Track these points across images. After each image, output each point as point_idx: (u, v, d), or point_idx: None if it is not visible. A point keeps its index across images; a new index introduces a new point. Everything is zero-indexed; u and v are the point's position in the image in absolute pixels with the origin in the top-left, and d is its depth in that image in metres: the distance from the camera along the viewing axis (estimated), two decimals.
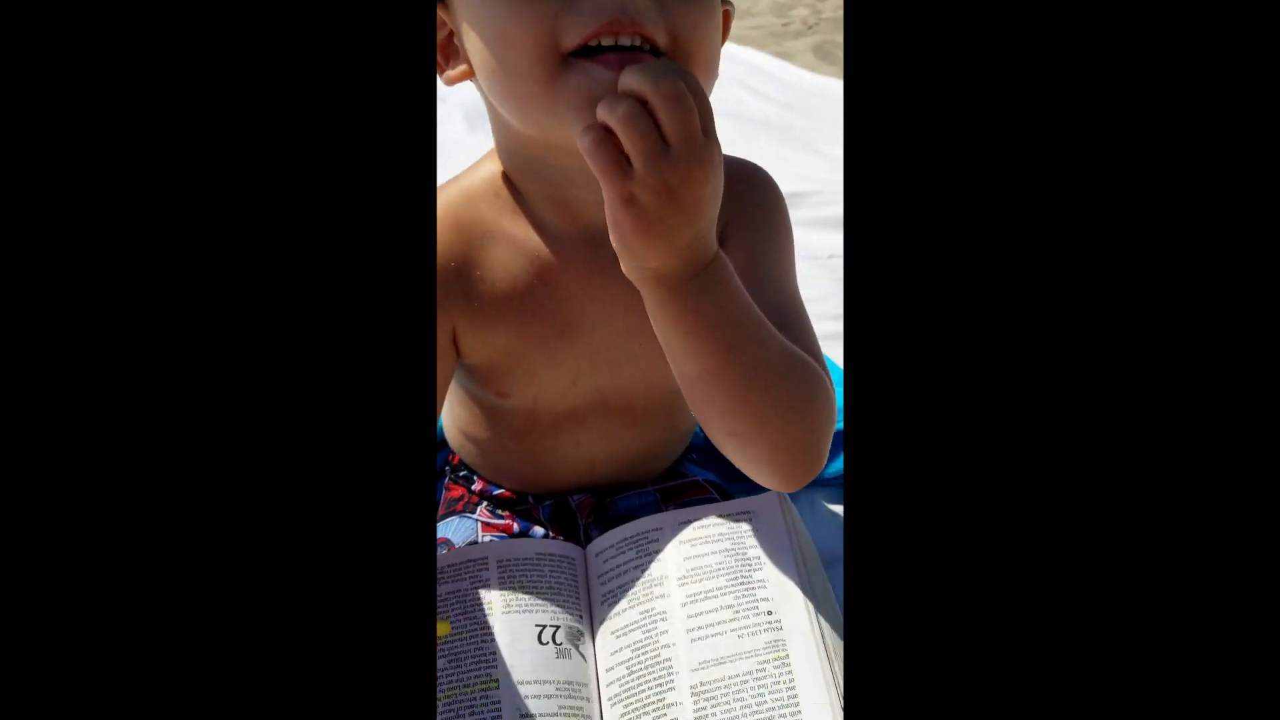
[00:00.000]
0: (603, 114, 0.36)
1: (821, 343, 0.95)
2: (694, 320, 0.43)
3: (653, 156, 0.36)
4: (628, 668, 0.52)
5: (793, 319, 0.51)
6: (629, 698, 0.50)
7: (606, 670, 0.53)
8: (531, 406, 0.59)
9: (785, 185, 1.22)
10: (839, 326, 0.97)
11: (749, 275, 0.47)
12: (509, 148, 0.51)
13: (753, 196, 0.55)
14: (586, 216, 0.51)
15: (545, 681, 0.52)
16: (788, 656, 0.48)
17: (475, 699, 0.50)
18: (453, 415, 0.67)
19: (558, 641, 0.54)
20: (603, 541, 0.58)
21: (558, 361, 0.56)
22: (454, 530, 0.65)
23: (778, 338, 0.46)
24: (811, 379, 0.48)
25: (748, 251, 0.52)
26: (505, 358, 0.55)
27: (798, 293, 0.55)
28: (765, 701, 0.47)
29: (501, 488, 0.67)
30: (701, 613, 0.51)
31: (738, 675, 0.48)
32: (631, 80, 0.36)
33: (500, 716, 0.49)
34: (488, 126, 0.52)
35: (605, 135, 0.37)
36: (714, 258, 0.42)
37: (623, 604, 0.54)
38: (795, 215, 1.16)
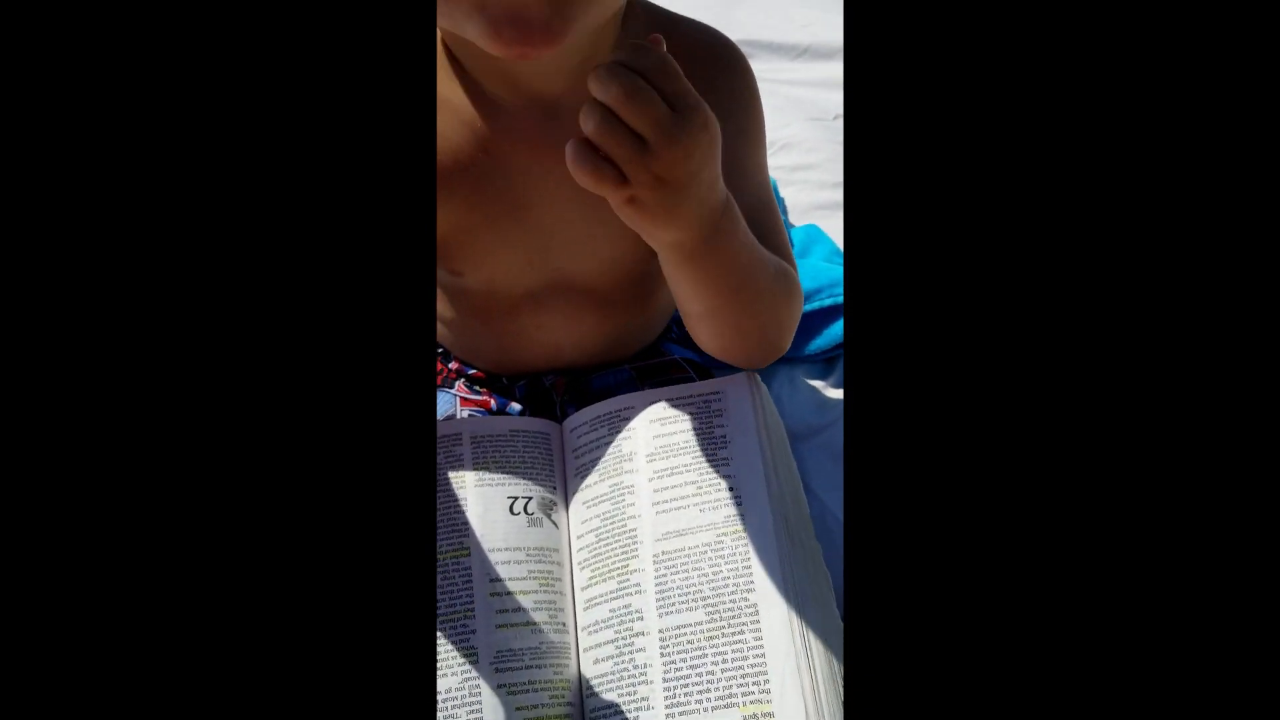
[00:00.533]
0: (585, 126, 0.37)
1: (819, 213, 0.93)
2: (705, 273, 0.46)
3: (633, 160, 0.37)
4: (596, 535, 0.53)
5: (766, 219, 0.53)
6: (596, 563, 0.52)
7: (577, 537, 0.54)
8: (488, 287, 0.58)
9: (791, 36, 1.14)
10: (838, 195, 0.94)
11: (726, 176, 0.47)
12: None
13: (725, 82, 0.52)
14: (530, 86, 0.48)
15: (516, 548, 0.54)
16: (743, 530, 0.49)
17: (447, 565, 0.52)
18: None
19: (529, 511, 0.55)
20: (577, 418, 0.59)
21: (509, 240, 0.54)
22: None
23: (768, 261, 0.49)
24: (790, 287, 0.52)
25: (724, 152, 0.50)
26: (454, 233, 0.53)
27: (769, 184, 0.56)
28: (720, 571, 0.48)
29: (475, 368, 0.67)
30: (667, 487, 0.52)
31: (697, 546, 0.50)
32: (592, 88, 0.36)
33: (471, 580, 0.52)
34: None
35: (587, 149, 0.37)
36: (723, 209, 0.44)
37: (594, 477, 0.56)
38: (801, 72, 1.10)
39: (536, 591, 0.53)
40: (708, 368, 0.67)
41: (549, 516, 0.56)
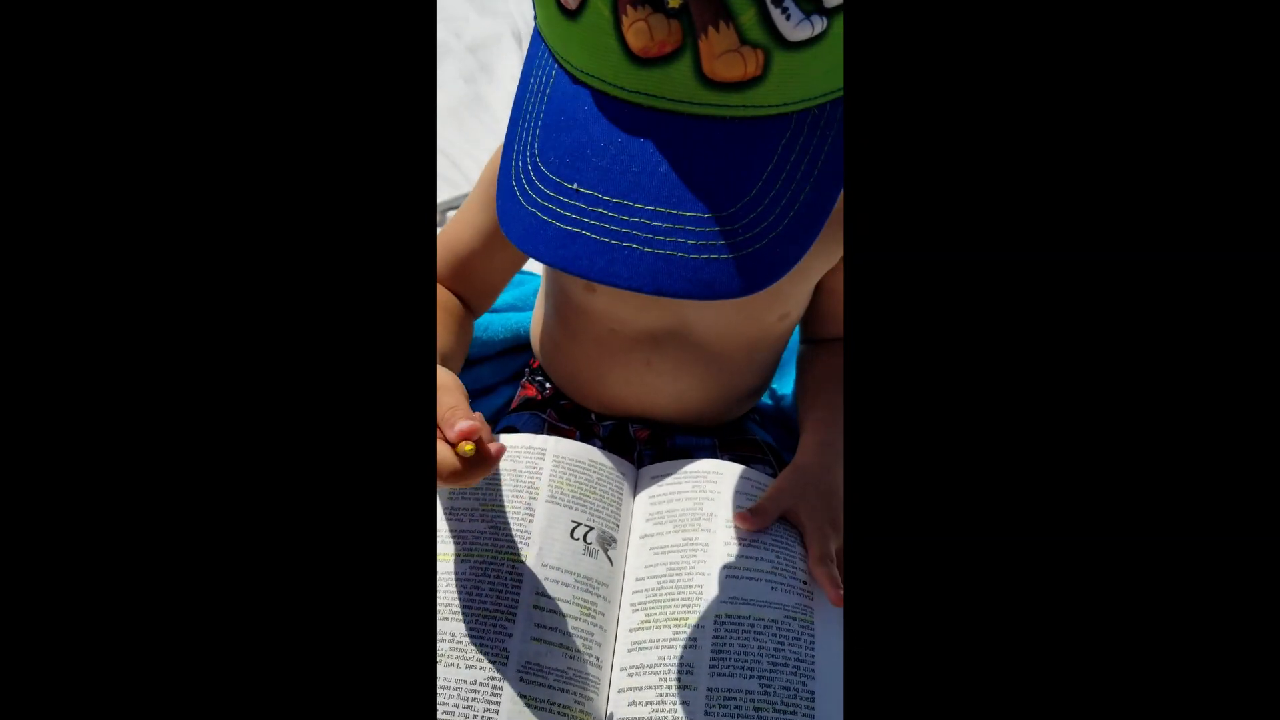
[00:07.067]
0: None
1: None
2: None
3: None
4: (659, 582, 0.53)
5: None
6: (653, 607, 0.51)
7: (636, 579, 0.54)
8: (611, 310, 0.58)
9: None
10: None
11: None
12: None
13: None
14: None
15: (567, 571, 0.53)
16: (813, 623, 0.49)
17: (502, 566, 0.52)
18: (539, 315, 0.68)
19: (588, 541, 0.55)
20: (661, 468, 0.59)
21: None
22: (523, 423, 0.67)
23: None
24: None
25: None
26: None
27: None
28: (783, 649, 0.48)
29: (566, 399, 0.68)
30: (744, 556, 0.52)
31: (762, 619, 0.49)
32: None
33: (520, 586, 0.51)
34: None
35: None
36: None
37: (667, 526, 0.55)
38: None
39: (577, 618, 0.52)
40: (784, 456, 0.67)
41: (605, 551, 0.55)
